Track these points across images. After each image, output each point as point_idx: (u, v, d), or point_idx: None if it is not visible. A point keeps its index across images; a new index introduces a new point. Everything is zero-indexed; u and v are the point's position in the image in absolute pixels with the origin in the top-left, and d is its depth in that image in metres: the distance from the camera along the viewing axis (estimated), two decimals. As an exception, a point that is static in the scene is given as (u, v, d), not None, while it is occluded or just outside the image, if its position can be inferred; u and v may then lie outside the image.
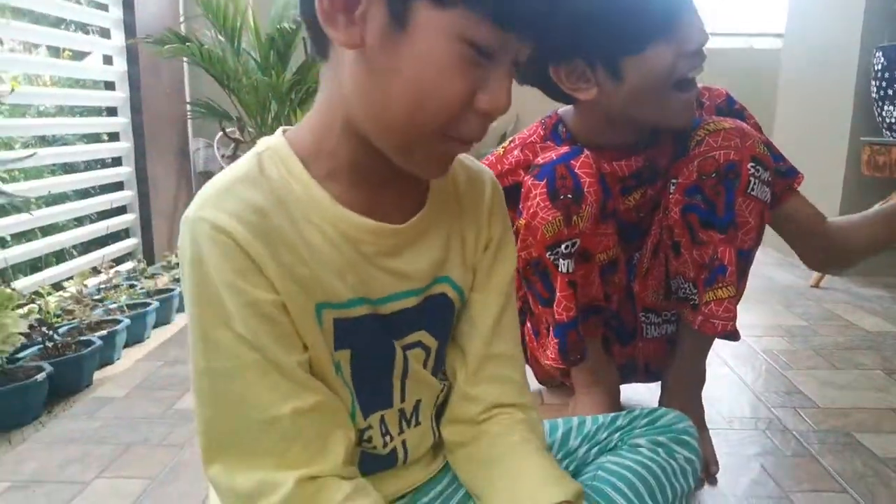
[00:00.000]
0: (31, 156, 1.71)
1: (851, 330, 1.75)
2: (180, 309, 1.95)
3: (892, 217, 1.02)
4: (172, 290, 1.93)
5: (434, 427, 0.69)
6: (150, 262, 2.39)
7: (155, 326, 1.80)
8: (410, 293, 0.61)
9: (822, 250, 1.09)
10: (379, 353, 0.61)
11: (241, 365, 0.51)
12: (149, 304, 1.77)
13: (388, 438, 0.64)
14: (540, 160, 0.98)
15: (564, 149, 0.97)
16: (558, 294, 1.00)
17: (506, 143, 1.11)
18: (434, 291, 0.63)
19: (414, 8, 0.48)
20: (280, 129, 0.59)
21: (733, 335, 0.98)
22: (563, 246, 0.95)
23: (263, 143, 0.57)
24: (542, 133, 1.07)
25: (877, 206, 1.08)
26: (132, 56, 2.35)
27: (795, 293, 2.13)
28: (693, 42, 0.88)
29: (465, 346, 0.67)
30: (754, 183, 0.93)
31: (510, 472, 0.63)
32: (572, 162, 0.94)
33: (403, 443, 0.65)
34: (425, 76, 0.50)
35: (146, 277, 2.00)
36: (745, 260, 0.96)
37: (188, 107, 2.60)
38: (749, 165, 0.92)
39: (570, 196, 0.93)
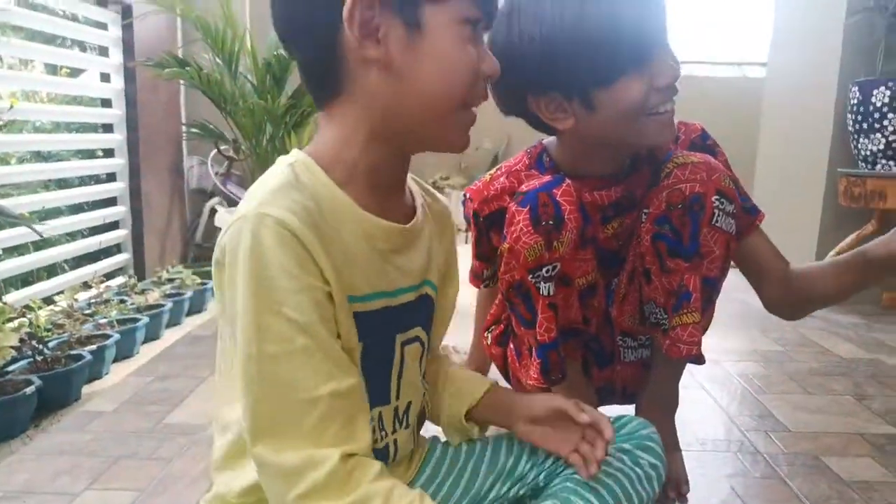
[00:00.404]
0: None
1: (826, 356, 1.80)
2: (169, 325, 1.97)
3: (872, 266, 0.98)
4: (162, 305, 1.95)
5: (416, 432, 0.77)
6: (141, 277, 2.41)
7: (144, 342, 1.82)
8: (412, 288, 0.70)
9: (780, 293, 1.09)
10: (384, 347, 0.68)
11: (290, 349, 0.56)
12: (138, 320, 1.80)
13: (383, 434, 0.70)
14: (524, 188, 1.02)
15: (547, 177, 1.02)
16: (540, 316, 1.04)
17: (492, 171, 1.15)
18: (423, 291, 0.72)
19: (421, 12, 0.60)
20: (295, 150, 0.66)
21: (697, 359, 1.02)
22: (544, 269, 1.00)
23: (289, 157, 0.64)
24: (527, 162, 1.12)
25: (847, 254, 1.03)
26: (130, 74, 2.40)
27: (773, 319, 2.16)
28: (664, 77, 0.93)
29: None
30: (719, 215, 0.97)
31: (450, 382, 0.83)
32: (554, 190, 0.99)
33: (395, 441, 0.71)
34: (448, 58, 0.61)
35: (136, 293, 2.02)
36: (710, 288, 1.01)
37: (184, 128, 2.64)
38: (714, 198, 0.97)
39: (551, 222, 0.97)
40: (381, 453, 0.69)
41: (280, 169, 0.62)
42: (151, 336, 1.87)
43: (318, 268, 0.58)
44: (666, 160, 1.02)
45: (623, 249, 1.12)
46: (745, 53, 4.17)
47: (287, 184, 0.59)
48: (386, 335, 0.68)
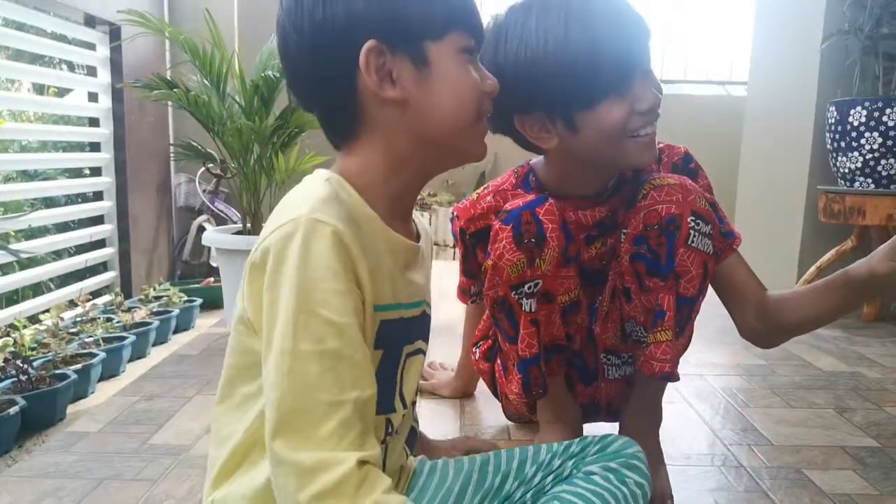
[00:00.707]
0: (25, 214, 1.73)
1: (808, 370, 1.83)
2: (156, 343, 1.97)
3: (855, 286, 0.99)
4: (150, 323, 1.95)
5: (406, 448, 0.80)
6: (128, 295, 2.40)
7: (131, 360, 1.82)
8: (418, 304, 0.76)
9: (754, 320, 1.09)
10: (395, 357, 0.73)
11: (324, 349, 0.59)
12: (125, 338, 1.79)
13: (384, 441, 0.73)
14: (508, 206, 1.05)
15: (531, 196, 1.04)
16: (522, 331, 1.06)
17: (480, 190, 1.18)
18: (424, 308, 0.78)
19: (426, 48, 0.68)
20: (322, 170, 0.71)
21: (670, 377, 1.03)
22: (526, 286, 1.02)
23: (321, 174, 0.69)
24: (514, 181, 1.15)
25: (828, 277, 1.03)
26: (117, 94, 2.41)
27: (757, 334, 2.20)
28: (645, 102, 0.95)
29: None
30: (694, 235, 0.99)
31: None
32: (537, 209, 1.01)
33: (385, 448, 0.74)
34: (455, 85, 0.70)
35: (123, 311, 2.02)
36: (687, 307, 1.02)
37: (172, 148, 2.65)
38: (689, 219, 0.99)
39: (533, 240, 1.00)
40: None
41: (319, 183, 0.67)
42: (138, 354, 1.86)
43: (358, 277, 0.62)
44: (643, 182, 1.05)
45: (606, 268, 1.14)
46: (729, 73, 4.25)
47: (331, 196, 0.64)
48: (398, 345, 0.73)
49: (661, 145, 1.14)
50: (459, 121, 0.71)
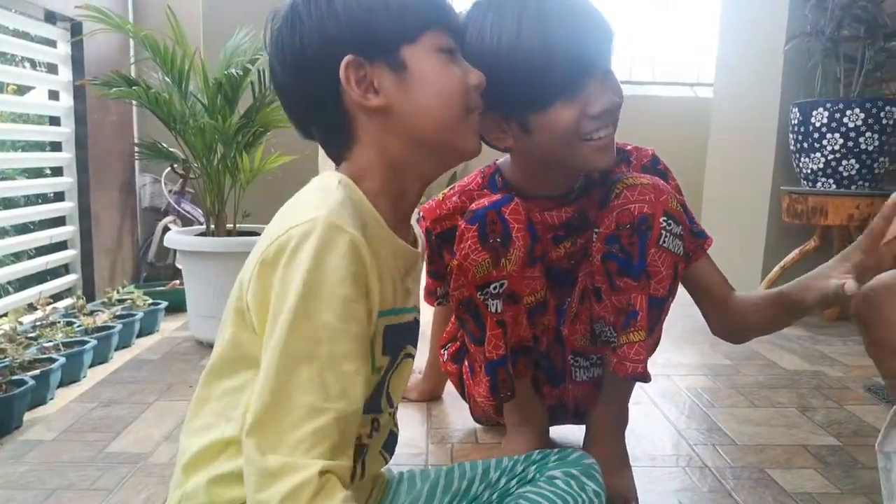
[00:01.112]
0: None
1: (771, 369, 1.85)
2: (119, 347, 1.92)
3: (790, 307, 1.03)
4: (112, 327, 1.90)
5: (384, 453, 0.81)
6: (91, 298, 2.35)
7: (92, 365, 1.77)
8: (413, 309, 0.78)
9: (722, 319, 1.13)
10: (394, 360, 0.74)
11: (316, 354, 0.59)
12: (86, 343, 1.75)
13: (366, 442, 0.75)
14: (474, 206, 1.04)
15: (497, 196, 1.04)
16: (488, 333, 1.05)
17: (446, 190, 1.17)
18: (415, 314, 0.80)
19: (402, 54, 0.69)
20: (332, 171, 0.73)
21: (643, 377, 1.03)
22: (492, 286, 1.01)
23: (332, 175, 0.71)
24: (480, 181, 1.14)
25: (772, 291, 1.07)
26: (79, 92, 2.35)
27: (723, 333, 2.23)
28: (598, 105, 0.94)
29: None
30: (666, 236, 0.99)
31: None
32: (503, 209, 1.00)
33: (366, 448, 0.75)
34: (437, 83, 0.71)
35: (85, 314, 1.97)
36: (657, 307, 1.02)
37: (135, 147, 2.60)
38: (661, 219, 0.98)
39: (498, 240, 0.99)
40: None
41: (333, 184, 0.68)
42: (100, 359, 1.82)
43: (368, 285, 0.63)
44: (616, 181, 1.05)
45: (576, 269, 1.14)
46: (697, 74, 4.30)
47: (346, 199, 0.65)
48: (398, 350, 0.75)
49: (629, 147, 1.14)
50: (446, 117, 0.72)
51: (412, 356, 0.81)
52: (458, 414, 1.46)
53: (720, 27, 2.98)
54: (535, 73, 0.91)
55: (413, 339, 0.80)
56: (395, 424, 0.84)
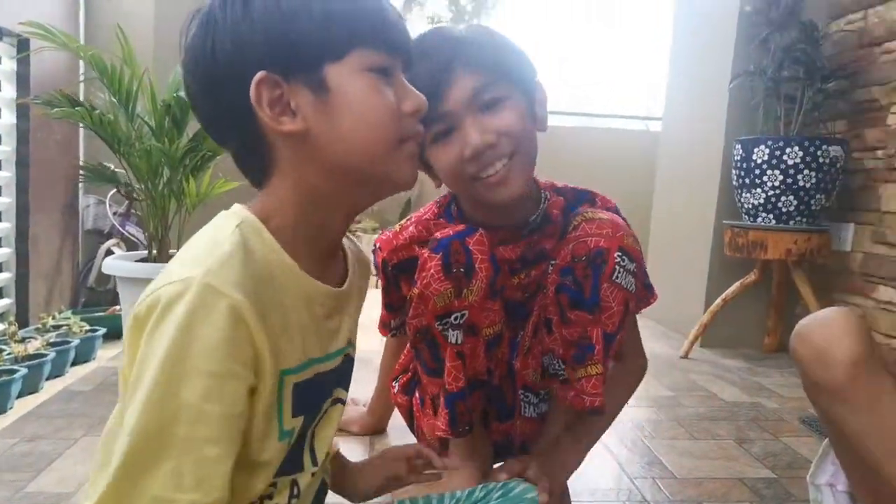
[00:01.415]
0: None
1: (711, 401, 1.89)
2: (51, 376, 1.84)
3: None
4: (45, 355, 1.82)
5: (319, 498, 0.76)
6: (24, 324, 2.25)
7: (21, 395, 1.69)
8: (339, 353, 0.72)
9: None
10: (314, 414, 0.68)
11: (169, 435, 0.51)
12: (15, 372, 1.67)
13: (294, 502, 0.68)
14: (438, 235, 1.03)
15: (461, 227, 1.04)
16: (448, 364, 1.04)
17: (403, 221, 1.17)
18: (347, 353, 0.74)
19: (324, 73, 0.61)
20: (238, 206, 0.65)
21: (600, 410, 1.03)
22: (452, 317, 1.00)
23: (234, 215, 0.63)
24: (435, 211, 1.14)
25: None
26: (23, 110, 2.28)
27: (667, 364, 2.27)
28: (468, 149, 0.95)
29: None
30: (619, 271, 0.99)
31: None
32: (467, 239, 1.00)
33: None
34: (363, 111, 0.62)
35: (16, 341, 1.88)
36: (608, 342, 1.02)
37: (80, 168, 2.53)
38: (616, 254, 0.99)
39: (462, 270, 0.99)
40: None
41: (228, 230, 0.60)
42: (30, 389, 1.74)
43: (256, 352, 0.56)
44: (576, 214, 1.06)
45: (530, 302, 1.14)
46: (649, 109, 4.43)
47: (236, 250, 0.57)
48: (317, 403, 0.69)
49: (598, 195, 1.15)
50: (373, 147, 0.63)
51: (342, 401, 0.75)
52: (400, 448, 1.43)
53: (669, 63, 3.07)
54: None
55: (344, 382, 0.75)
56: (327, 472, 0.81)
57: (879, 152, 2.18)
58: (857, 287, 2.25)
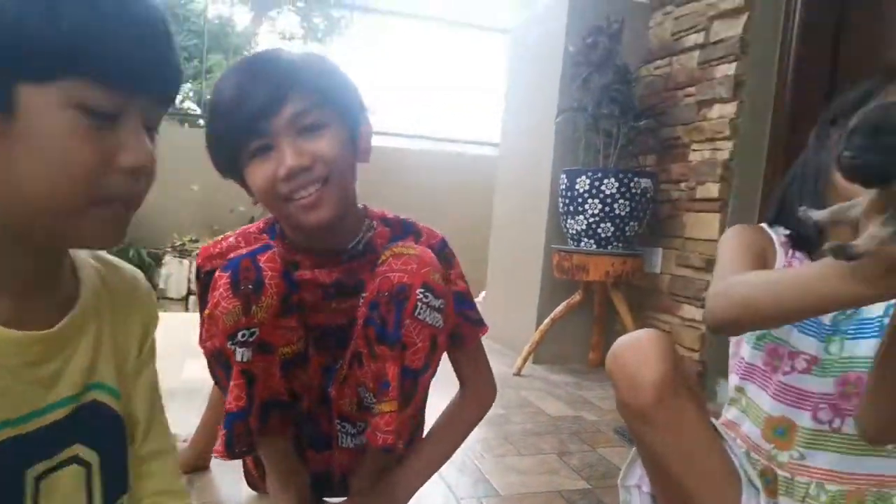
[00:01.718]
0: None
1: (539, 416, 1.99)
2: None
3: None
4: None
5: None
6: None
7: None
8: (59, 404, 0.59)
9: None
10: (16, 486, 0.56)
11: None
12: None
13: None
14: (232, 255, 1.01)
15: (257, 245, 1.02)
16: (231, 383, 1.00)
17: (229, 231, 1.14)
18: (87, 399, 0.61)
19: (15, 91, 0.48)
20: None
21: (393, 448, 1.03)
22: (240, 334, 0.97)
23: None
24: (261, 226, 1.13)
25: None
26: None
27: (501, 382, 2.34)
28: (282, 169, 0.96)
29: None
30: (422, 308, 1.00)
31: None
32: (259, 256, 0.99)
33: None
34: (48, 153, 0.50)
35: None
36: (411, 379, 1.03)
37: None
38: (419, 290, 1.00)
39: (250, 287, 0.96)
40: None
41: None
42: None
43: None
44: (386, 248, 1.06)
45: (350, 329, 1.13)
46: (490, 135, 4.65)
47: None
48: (8, 472, 0.56)
49: (425, 228, 1.17)
50: (46, 202, 0.51)
51: (81, 460, 0.61)
52: (229, 486, 1.36)
53: (505, 96, 3.25)
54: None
55: (84, 436, 0.61)
56: None
57: (683, 185, 2.44)
58: (666, 306, 2.49)
